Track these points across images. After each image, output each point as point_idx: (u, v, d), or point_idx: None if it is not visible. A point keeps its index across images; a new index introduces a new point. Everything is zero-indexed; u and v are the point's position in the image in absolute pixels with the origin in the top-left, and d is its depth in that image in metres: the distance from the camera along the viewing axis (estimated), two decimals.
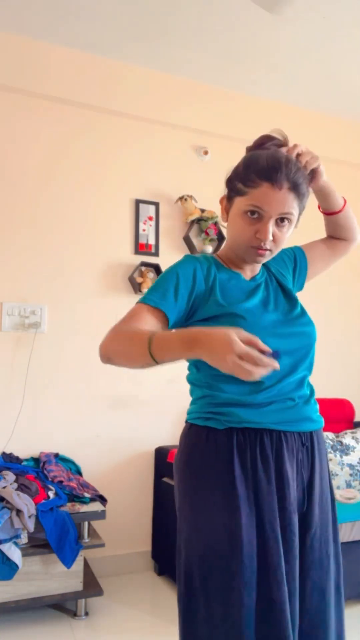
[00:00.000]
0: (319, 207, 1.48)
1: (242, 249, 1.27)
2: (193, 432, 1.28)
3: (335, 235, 1.51)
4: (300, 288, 1.49)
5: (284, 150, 1.27)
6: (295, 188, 1.20)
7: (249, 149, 1.34)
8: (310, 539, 1.25)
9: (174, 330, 1.09)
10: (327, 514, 1.30)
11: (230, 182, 1.28)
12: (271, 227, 1.21)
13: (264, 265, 1.41)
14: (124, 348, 1.13)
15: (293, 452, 1.24)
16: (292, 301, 1.36)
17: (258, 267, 1.38)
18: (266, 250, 1.24)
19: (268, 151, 1.24)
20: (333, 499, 1.36)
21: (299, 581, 1.22)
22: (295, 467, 1.25)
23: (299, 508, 1.26)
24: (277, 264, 1.45)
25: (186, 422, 1.33)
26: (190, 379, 1.35)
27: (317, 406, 1.35)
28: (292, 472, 1.23)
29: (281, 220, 1.23)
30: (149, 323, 1.18)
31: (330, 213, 1.46)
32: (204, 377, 1.28)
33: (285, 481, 1.22)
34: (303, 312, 1.34)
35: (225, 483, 1.20)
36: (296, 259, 1.48)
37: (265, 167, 1.19)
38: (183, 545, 1.25)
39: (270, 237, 1.22)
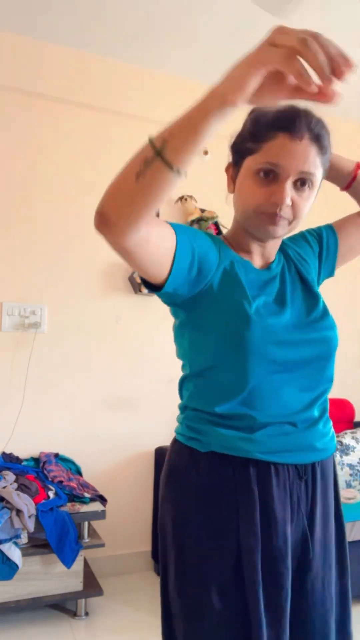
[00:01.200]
0: (340, 189, 1.25)
1: (252, 220, 1.02)
2: (177, 448, 1.11)
3: None
4: (331, 274, 1.26)
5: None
6: (317, 140, 0.97)
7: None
8: (310, 582, 1.06)
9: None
10: (330, 552, 1.10)
11: (236, 145, 1.06)
12: (289, 188, 0.97)
13: (281, 249, 1.17)
14: (122, 171, 0.82)
15: (286, 488, 1.03)
16: (312, 298, 1.12)
17: (273, 253, 1.12)
18: (282, 218, 0.99)
19: None
20: (342, 532, 1.14)
21: (300, 626, 1.07)
22: (289, 506, 1.03)
23: (297, 551, 1.06)
24: (298, 246, 1.20)
25: (175, 431, 1.17)
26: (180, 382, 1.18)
27: (329, 429, 1.11)
28: (283, 512, 1.02)
29: (301, 183, 0.98)
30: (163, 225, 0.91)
31: (348, 184, 1.21)
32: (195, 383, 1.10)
33: (273, 524, 1.01)
34: (325, 313, 1.12)
35: (205, 513, 1.03)
36: (322, 240, 1.23)
37: (281, 116, 0.97)
38: (160, 555, 1.11)
39: (289, 201, 0.97)
